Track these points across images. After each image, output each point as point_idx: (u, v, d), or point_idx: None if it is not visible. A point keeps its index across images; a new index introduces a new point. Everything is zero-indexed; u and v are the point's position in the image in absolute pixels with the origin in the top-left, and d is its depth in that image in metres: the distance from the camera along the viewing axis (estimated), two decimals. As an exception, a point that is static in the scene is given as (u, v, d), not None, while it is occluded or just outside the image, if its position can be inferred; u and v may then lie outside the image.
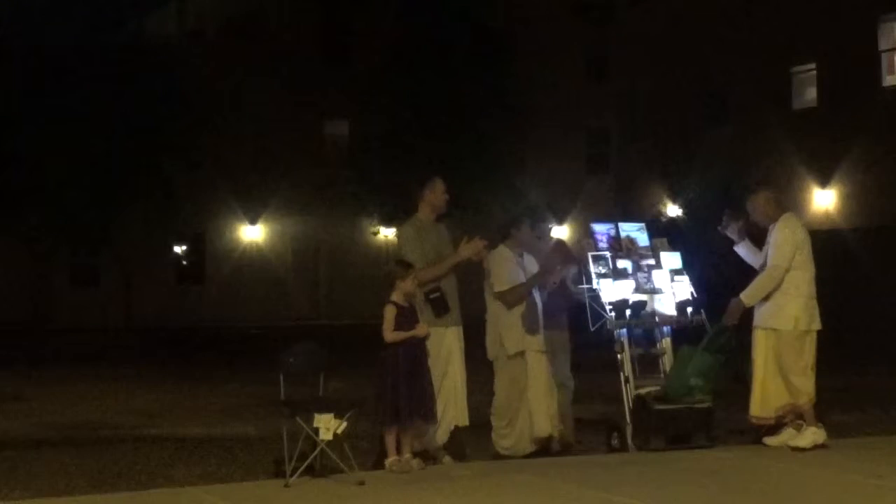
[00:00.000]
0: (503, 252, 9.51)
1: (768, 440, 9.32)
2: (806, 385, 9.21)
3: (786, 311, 9.24)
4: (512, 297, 9.34)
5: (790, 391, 9.20)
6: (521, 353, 9.33)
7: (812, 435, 9.15)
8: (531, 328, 9.33)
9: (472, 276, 9.55)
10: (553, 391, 9.46)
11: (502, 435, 9.41)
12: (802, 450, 9.06)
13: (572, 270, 9.90)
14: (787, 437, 9.24)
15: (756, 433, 9.50)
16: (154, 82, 31.58)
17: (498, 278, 9.38)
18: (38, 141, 30.66)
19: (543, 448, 9.39)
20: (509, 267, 9.42)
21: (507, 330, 9.33)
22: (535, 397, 9.30)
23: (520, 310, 9.34)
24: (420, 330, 8.47)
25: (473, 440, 9.80)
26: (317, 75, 36.87)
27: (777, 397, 9.22)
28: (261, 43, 36.39)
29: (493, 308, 9.44)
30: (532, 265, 9.57)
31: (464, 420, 8.98)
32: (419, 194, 9.22)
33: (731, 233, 9.76)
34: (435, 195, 9.19)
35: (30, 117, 30.69)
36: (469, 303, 9.34)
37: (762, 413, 9.28)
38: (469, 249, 8.99)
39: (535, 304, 9.43)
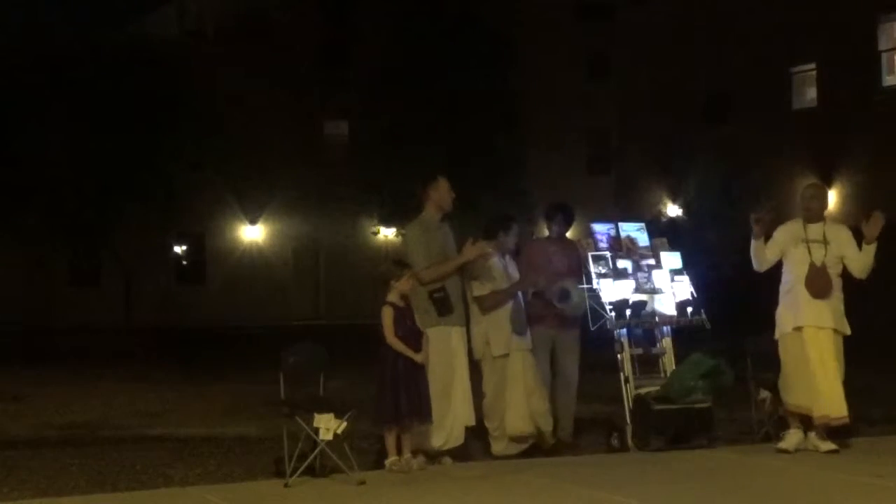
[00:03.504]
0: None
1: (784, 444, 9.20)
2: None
3: (843, 315, 9.25)
4: (489, 303, 9.31)
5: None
6: (506, 355, 9.32)
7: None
8: (518, 329, 9.35)
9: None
10: (538, 392, 9.42)
11: (496, 437, 9.41)
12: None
13: (566, 289, 9.82)
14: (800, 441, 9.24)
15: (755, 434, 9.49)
16: (154, 82, 31.57)
17: (476, 282, 9.33)
18: (38, 141, 30.66)
19: (525, 448, 9.40)
20: (490, 270, 9.37)
21: (494, 331, 9.31)
22: (513, 397, 9.28)
23: (507, 311, 9.32)
24: (418, 357, 8.42)
25: (477, 440, 9.81)
26: (317, 75, 36.87)
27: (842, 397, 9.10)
28: (261, 43, 36.37)
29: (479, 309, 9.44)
30: (514, 270, 9.57)
31: (471, 420, 8.97)
32: (423, 193, 9.12)
33: (761, 226, 9.42)
34: (439, 193, 9.07)
35: (30, 117, 30.68)
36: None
37: (841, 412, 9.02)
38: (473, 252, 8.93)
39: (520, 304, 9.45)
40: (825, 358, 9.05)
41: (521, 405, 9.28)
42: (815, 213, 9.44)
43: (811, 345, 9.08)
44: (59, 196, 31.25)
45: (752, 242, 9.44)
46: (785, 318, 9.29)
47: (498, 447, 9.37)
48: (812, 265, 9.19)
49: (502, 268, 9.47)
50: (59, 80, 30.91)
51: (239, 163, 35.47)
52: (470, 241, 8.99)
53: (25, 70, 31.14)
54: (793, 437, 9.20)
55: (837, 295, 9.25)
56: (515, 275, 9.54)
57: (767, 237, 9.45)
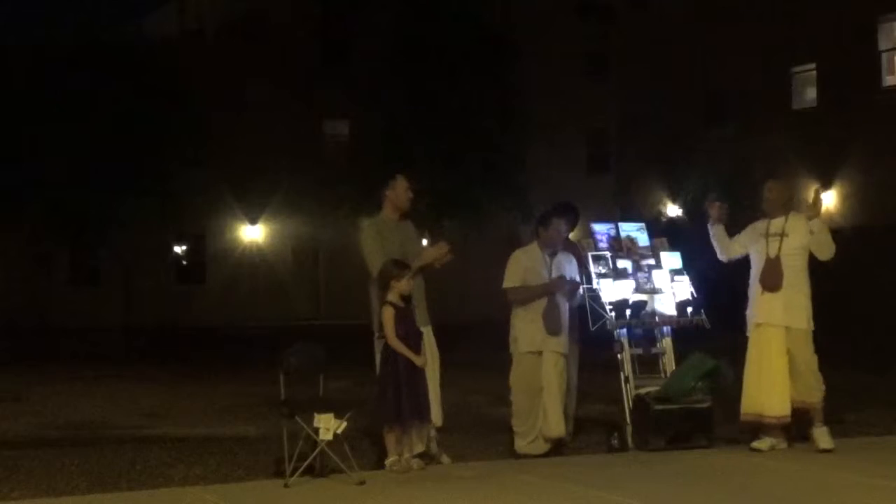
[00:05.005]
0: (529, 250, 9.55)
1: (758, 444, 9.26)
2: (820, 383, 9.22)
3: (804, 308, 9.23)
4: (513, 296, 9.39)
5: (802, 390, 9.16)
6: (537, 353, 9.30)
7: (828, 435, 9.21)
8: (551, 329, 9.30)
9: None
10: (564, 393, 9.42)
11: (520, 434, 9.39)
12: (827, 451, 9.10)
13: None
14: (777, 441, 9.24)
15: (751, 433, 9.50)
16: (154, 82, 31.58)
17: (507, 274, 9.42)
18: (38, 140, 30.67)
19: (555, 448, 9.35)
20: (525, 265, 9.42)
21: (524, 327, 9.34)
22: (551, 399, 9.25)
23: (540, 309, 9.29)
24: (418, 360, 8.41)
25: (477, 440, 9.80)
26: (317, 75, 36.85)
27: (789, 396, 9.13)
28: (261, 43, 36.36)
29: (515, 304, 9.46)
30: (567, 263, 9.52)
31: (437, 420, 8.85)
32: (382, 192, 9.14)
33: (715, 211, 9.72)
34: (396, 193, 9.11)
35: (30, 117, 30.70)
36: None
37: (782, 412, 9.13)
38: (431, 254, 8.91)
39: (556, 305, 9.36)
40: (772, 355, 9.16)
41: (558, 407, 9.27)
42: (772, 207, 9.48)
43: (760, 341, 9.24)
44: (59, 196, 31.25)
45: (710, 229, 9.74)
46: (748, 316, 9.47)
47: (522, 443, 9.35)
48: (767, 258, 9.30)
49: (544, 264, 9.44)
50: (59, 80, 30.91)
51: (239, 163, 35.47)
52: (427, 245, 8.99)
53: (25, 69, 31.15)
54: (768, 439, 9.24)
55: (796, 288, 9.24)
56: (566, 267, 9.48)
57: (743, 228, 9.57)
